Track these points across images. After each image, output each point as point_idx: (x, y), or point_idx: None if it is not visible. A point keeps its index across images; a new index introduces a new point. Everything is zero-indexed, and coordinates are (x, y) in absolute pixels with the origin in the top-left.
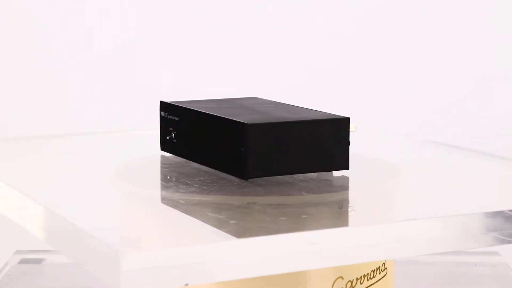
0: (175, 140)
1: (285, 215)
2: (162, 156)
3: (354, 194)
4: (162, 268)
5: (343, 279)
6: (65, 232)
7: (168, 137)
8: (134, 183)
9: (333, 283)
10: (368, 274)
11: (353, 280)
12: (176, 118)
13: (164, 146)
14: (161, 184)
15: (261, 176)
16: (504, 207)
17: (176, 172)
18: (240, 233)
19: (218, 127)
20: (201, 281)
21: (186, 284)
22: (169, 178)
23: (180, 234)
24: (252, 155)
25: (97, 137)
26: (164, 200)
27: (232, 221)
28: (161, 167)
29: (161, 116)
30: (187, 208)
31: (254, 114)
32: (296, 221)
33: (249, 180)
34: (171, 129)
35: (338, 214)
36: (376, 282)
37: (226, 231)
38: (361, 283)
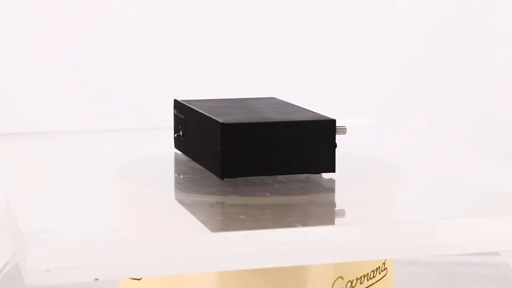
0: (182, 138)
1: (223, 215)
2: (176, 154)
3: (318, 198)
4: (70, 265)
5: (343, 279)
6: (13, 231)
7: (176, 135)
8: (122, 179)
9: (333, 283)
10: (368, 274)
11: (353, 280)
12: (182, 116)
13: (176, 144)
14: (142, 180)
15: (238, 176)
16: (504, 209)
17: (171, 170)
18: (153, 232)
19: (204, 125)
20: (111, 278)
21: (96, 279)
22: (177, 176)
23: (100, 229)
24: (228, 154)
25: (130, 133)
26: (124, 195)
27: (166, 218)
28: (162, 164)
29: (174, 114)
30: (136, 204)
31: (244, 114)
32: (228, 222)
33: (230, 179)
34: (179, 127)
35: (274, 217)
36: (376, 282)
37: (153, 229)
38: (361, 283)
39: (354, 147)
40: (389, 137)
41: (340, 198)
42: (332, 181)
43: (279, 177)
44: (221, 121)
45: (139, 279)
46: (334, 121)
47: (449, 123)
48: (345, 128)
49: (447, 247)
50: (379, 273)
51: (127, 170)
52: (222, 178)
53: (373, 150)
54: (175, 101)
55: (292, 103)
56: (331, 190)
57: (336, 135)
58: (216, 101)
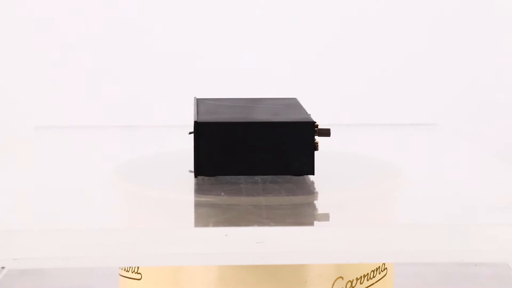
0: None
1: (150, 210)
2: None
3: (265, 200)
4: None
5: (343, 279)
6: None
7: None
8: (117, 174)
9: (333, 283)
10: (368, 274)
11: (353, 280)
12: None
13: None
14: (134, 176)
15: (212, 175)
16: (503, 213)
17: (171, 169)
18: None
19: (194, 124)
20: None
21: (3, 267)
22: (188, 172)
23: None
24: (202, 153)
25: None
26: (103, 188)
27: (119, 213)
28: (166, 163)
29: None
30: (108, 198)
31: (234, 114)
32: (166, 218)
33: (210, 178)
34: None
35: (199, 215)
36: (376, 282)
37: (104, 223)
38: (361, 283)
39: (356, 148)
40: (404, 139)
41: (290, 201)
42: (308, 183)
43: (257, 177)
44: (196, 119)
45: (139, 279)
46: (312, 123)
47: (449, 123)
48: (329, 130)
49: (445, 254)
50: (379, 273)
51: (129, 167)
52: (195, 176)
53: (376, 151)
54: (195, 100)
55: (304, 106)
56: (293, 192)
57: (321, 138)
58: (228, 100)
